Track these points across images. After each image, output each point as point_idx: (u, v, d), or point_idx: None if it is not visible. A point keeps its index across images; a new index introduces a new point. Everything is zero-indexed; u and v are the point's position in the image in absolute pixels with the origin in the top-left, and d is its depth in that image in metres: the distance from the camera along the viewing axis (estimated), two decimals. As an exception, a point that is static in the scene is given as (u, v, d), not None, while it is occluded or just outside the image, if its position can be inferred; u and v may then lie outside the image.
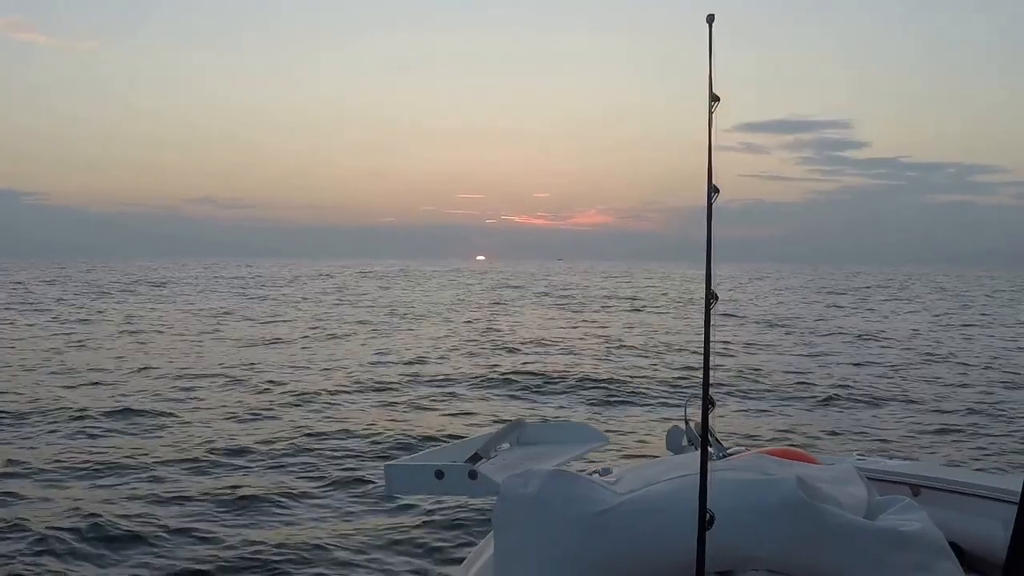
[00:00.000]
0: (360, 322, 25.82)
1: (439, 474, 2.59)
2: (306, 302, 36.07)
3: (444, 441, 7.93)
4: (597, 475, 2.55)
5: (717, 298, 1.47)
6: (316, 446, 9.04)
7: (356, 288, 50.27)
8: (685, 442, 3.02)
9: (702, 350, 1.46)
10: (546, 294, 45.88)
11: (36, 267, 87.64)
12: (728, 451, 2.76)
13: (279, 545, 6.03)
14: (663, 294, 46.28)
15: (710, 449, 2.85)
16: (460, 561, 2.87)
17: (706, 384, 1.46)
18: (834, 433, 10.15)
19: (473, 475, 2.54)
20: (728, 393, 12.63)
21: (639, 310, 32.87)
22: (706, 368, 1.46)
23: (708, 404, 1.46)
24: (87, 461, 8.35)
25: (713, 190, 1.50)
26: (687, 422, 3.01)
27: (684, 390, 12.65)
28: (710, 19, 1.48)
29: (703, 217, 1.45)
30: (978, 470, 7.77)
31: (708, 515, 1.42)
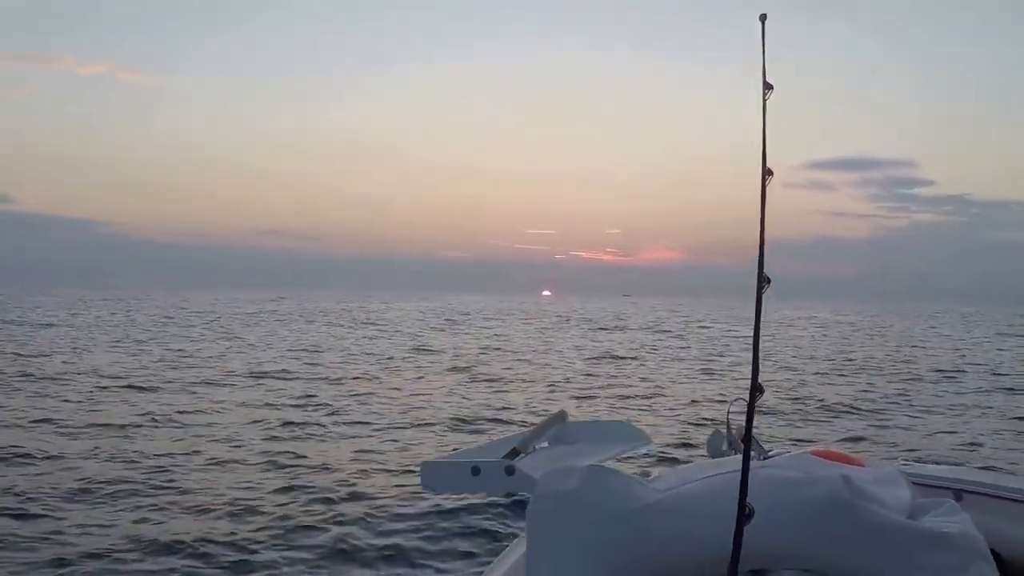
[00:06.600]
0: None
1: (475, 470, 2.54)
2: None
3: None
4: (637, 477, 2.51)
5: (770, 281, 1.42)
6: None
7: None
8: (725, 447, 2.96)
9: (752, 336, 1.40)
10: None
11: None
12: (770, 453, 2.70)
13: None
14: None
15: (751, 451, 2.80)
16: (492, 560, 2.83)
17: (755, 371, 1.40)
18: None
19: (510, 471, 2.49)
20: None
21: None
22: (755, 354, 1.41)
23: (756, 392, 1.40)
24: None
25: (768, 172, 1.46)
26: (728, 426, 2.95)
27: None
28: (763, 18, 1.51)
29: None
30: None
31: (748, 508, 1.36)
